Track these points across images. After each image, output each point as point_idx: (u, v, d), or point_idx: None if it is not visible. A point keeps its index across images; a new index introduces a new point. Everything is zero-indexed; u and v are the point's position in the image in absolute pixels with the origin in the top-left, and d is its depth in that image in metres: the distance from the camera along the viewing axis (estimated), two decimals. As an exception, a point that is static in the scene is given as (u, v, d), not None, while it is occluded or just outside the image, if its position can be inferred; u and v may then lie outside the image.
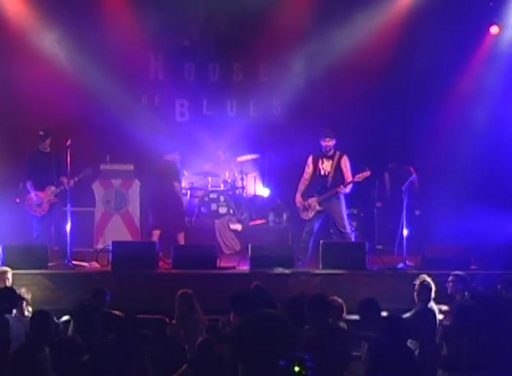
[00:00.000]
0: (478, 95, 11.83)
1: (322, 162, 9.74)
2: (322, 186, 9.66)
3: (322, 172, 9.71)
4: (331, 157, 9.71)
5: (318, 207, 9.65)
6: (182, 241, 10.70)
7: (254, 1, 11.97)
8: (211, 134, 12.42)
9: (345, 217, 9.76)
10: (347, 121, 11.98)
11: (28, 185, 9.83)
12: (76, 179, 9.79)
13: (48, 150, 9.89)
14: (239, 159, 12.08)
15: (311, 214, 9.70)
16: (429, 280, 7.17)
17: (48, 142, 9.87)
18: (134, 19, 12.05)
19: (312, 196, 9.71)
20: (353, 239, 9.81)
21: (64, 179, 9.70)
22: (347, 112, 11.95)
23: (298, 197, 9.78)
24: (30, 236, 9.95)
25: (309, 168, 9.83)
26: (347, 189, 9.65)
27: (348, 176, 9.65)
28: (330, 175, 9.67)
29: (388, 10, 12.09)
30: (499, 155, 11.87)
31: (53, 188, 9.72)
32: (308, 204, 9.69)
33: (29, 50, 11.64)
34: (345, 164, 9.70)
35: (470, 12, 11.70)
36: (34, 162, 9.86)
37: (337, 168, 9.67)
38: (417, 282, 7.15)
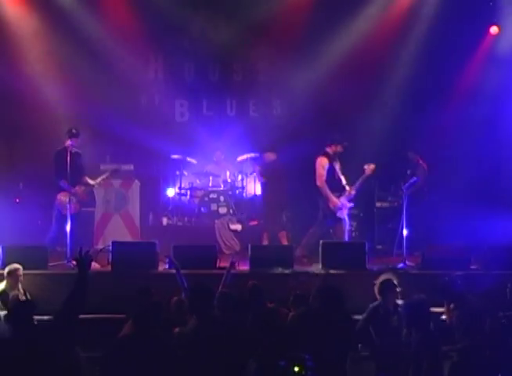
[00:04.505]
0: (478, 96, 11.83)
1: (338, 164, 10.13)
2: (342, 185, 10.04)
3: (339, 173, 10.09)
4: (338, 159, 10.18)
5: (353, 192, 10.02)
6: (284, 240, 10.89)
7: (254, 1, 12.00)
8: (211, 134, 12.42)
9: None
10: (346, 121, 11.98)
11: (62, 183, 9.51)
12: (103, 178, 9.89)
13: (74, 150, 9.67)
14: (240, 158, 12.07)
15: (345, 212, 10.03)
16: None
17: (78, 141, 9.66)
18: (134, 19, 12.06)
19: (348, 190, 10.01)
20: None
21: (88, 179, 9.71)
22: (346, 112, 11.94)
23: (334, 199, 9.96)
24: (30, 237, 9.94)
25: (325, 171, 10.04)
26: None
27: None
28: (341, 174, 10.13)
29: (389, 10, 12.11)
30: (499, 155, 11.89)
31: (83, 187, 9.66)
32: (342, 203, 9.96)
33: (27, 51, 11.66)
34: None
35: (470, 12, 11.71)
36: (63, 161, 9.49)
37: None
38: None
